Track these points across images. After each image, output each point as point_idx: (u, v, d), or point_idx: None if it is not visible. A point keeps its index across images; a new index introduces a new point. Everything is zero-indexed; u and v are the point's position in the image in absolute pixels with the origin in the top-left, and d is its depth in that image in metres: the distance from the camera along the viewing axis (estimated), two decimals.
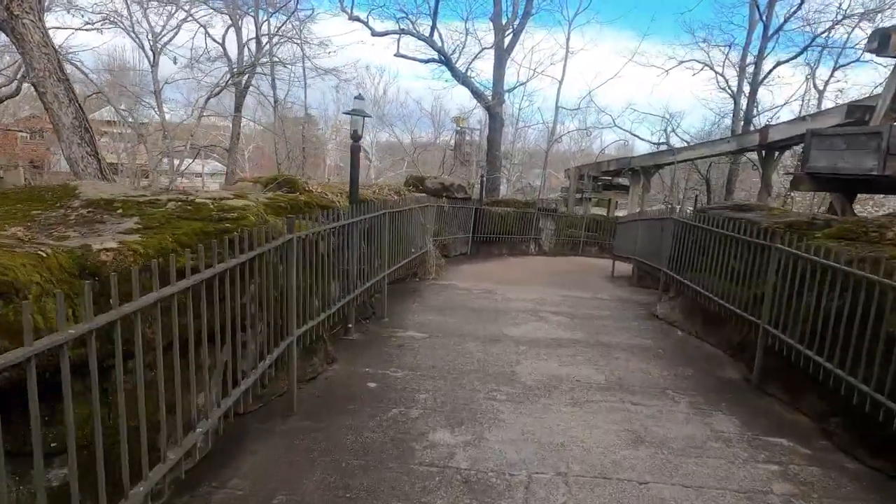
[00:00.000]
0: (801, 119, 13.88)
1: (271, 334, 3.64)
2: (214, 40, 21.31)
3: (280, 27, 19.18)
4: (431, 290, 8.29)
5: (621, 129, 34.07)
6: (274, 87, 18.94)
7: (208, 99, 17.25)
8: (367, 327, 6.01)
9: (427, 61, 23.16)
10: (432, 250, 9.19)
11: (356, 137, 5.36)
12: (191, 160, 19.83)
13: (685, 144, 22.55)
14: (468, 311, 7.07)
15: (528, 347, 5.66)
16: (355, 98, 5.39)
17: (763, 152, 14.74)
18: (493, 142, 22.57)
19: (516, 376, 4.81)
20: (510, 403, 4.23)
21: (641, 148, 33.59)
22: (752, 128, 20.98)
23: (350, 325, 5.61)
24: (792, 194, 21.36)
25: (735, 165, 21.55)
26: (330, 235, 4.70)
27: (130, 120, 17.67)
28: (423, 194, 11.13)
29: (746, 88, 23.30)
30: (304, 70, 17.77)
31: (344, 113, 5.21)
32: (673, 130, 25.83)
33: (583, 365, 5.23)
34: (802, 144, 16.49)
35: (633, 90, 72.87)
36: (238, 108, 19.83)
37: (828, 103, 22.80)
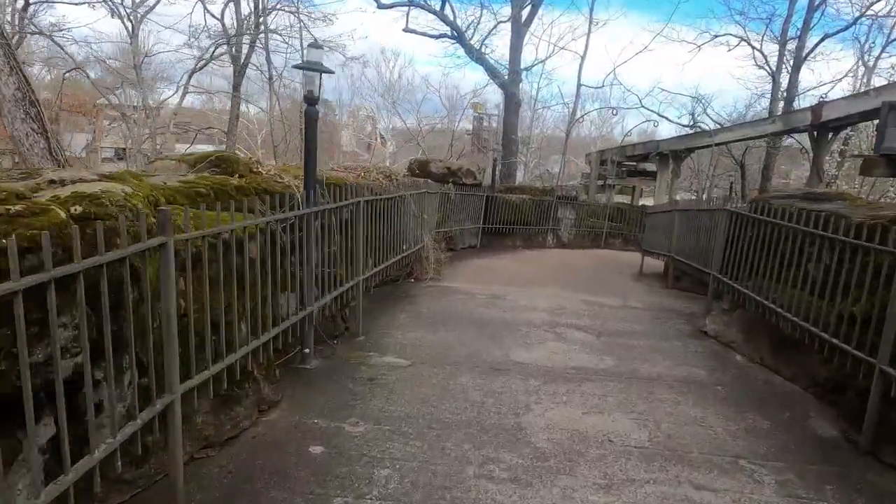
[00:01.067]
0: (863, 94, 12.08)
1: (132, 390, 2.34)
2: (213, 16, 19.95)
3: (279, 1, 17.73)
4: (427, 295, 6.92)
5: (648, 109, 31.79)
6: (269, 61, 17.49)
7: (192, 74, 15.89)
8: (333, 350, 4.66)
9: (438, 37, 21.49)
10: (431, 246, 7.79)
11: (311, 100, 3.96)
12: (185, 144, 18.57)
13: (717, 127, 20.59)
14: (468, 325, 5.68)
15: (542, 382, 4.26)
16: (310, 46, 3.97)
17: (815, 133, 12.99)
18: (508, 123, 20.88)
19: (524, 434, 3.43)
20: (513, 486, 2.85)
21: (666, 132, 31.60)
22: (793, 108, 19.01)
23: (307, 350, 4.27)
24: (838, 182, 19.46)
25: (774, 150, 19.59)
26: (270, 233, 3.37)
27: (115, 100, 16.46)
28: (426, 179, 9.72)
29: (787, 65, 21.21)
30: (301, 42, 16.31)
31: (294, 66, 3.89)
32: (704, 111, 23.71)
33: (616, 412, 3.83)
34: (859, 125, 14.72)
35: (661, 70, 69.24)
36: (236, 87, 18.47)
37: (879, 80, 20.73)
